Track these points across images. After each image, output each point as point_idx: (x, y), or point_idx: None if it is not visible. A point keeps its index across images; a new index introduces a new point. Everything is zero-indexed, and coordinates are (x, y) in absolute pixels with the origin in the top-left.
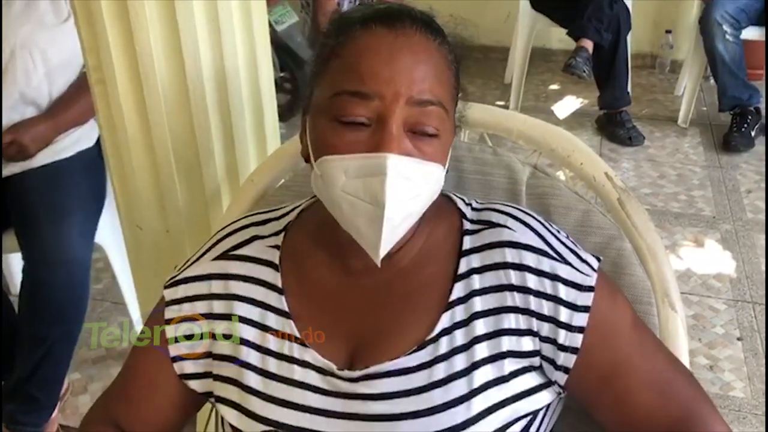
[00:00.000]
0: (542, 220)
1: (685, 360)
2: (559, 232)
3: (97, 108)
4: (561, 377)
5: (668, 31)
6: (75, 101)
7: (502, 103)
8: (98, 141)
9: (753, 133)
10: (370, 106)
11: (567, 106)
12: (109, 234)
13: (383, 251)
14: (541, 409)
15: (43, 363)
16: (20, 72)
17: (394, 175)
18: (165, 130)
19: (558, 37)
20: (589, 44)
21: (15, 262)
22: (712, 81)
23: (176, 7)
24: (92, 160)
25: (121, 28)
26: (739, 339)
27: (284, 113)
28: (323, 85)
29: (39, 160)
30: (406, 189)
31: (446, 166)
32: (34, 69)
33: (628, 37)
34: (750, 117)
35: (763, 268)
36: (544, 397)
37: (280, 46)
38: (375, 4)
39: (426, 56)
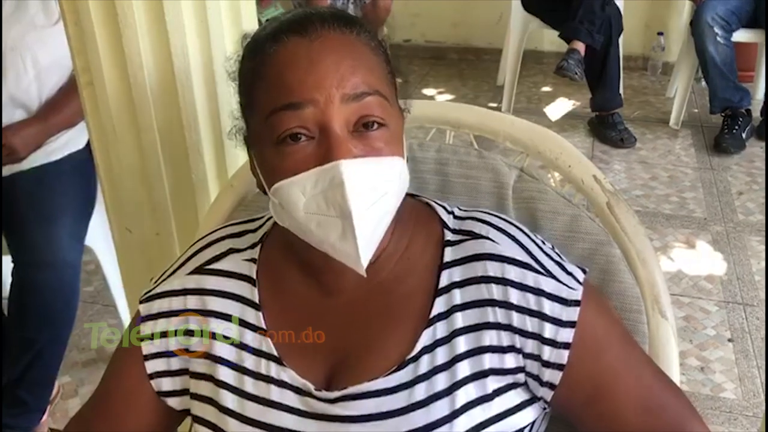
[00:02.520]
0: (527, 231)
1: (675, 368)
2: (544, 243)
3: (86, 110)
4: (547, 393)
5: (660, 33)
6: (65, 103)
7: (494, 105)
8: (88, 143)
9: (744, 135)
10: (305, 114)
11: (559, 108)
12: (99, 236)
13: (365, 261)
14: (525, 426)
15: (33, 366)
16: (10, 74)
17: (352, 180)
18: (154, 133)
19: (550, 39)
20: (580, 46)
21: (5, 265)
22: (703, 83)
23: (165, 7)
24: (82, 162)
25: (109, 29)
26: (730, 340)
27: None
28: (255, 112)
29: (28, 163)
30: (369, 191)
31: (405, 158)
32: (24, 71)
33: (620, 39)
34: (741, 119)
35: (754, 269)
36: (529, 414)
37: None
38: (284, 14)
39: (347, 50)
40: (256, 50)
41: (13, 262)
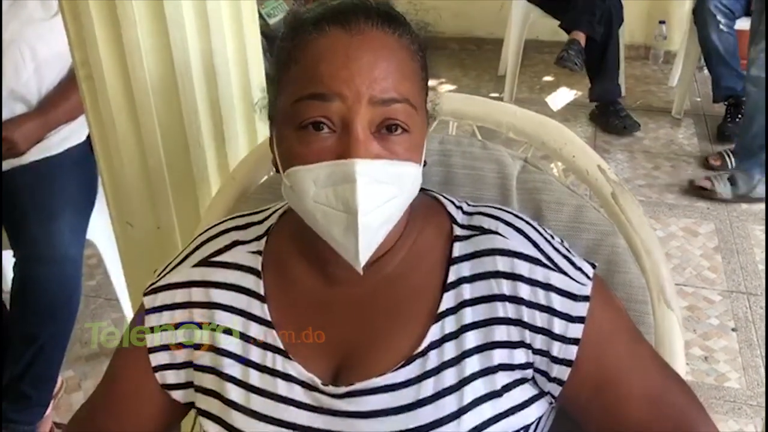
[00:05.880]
0: (536, 225)
1: (680, 358)
2: (552, 237)
3: (86, 104)
4: (555, 389)
5: (662, 22)
6: (65, 97)
7: (496, 95)
8: (89, 137)
9: None
10: (331, 108)
11: (561, 97)
12: (101, 230)
13: (363, 259)
14: (533, 422)
15: (36, 361)
16: (9, 68)
17: (364, 180)
18: (154, 126)
19: (551, 29)
20: (581, 36)
21: (6, 260)
22: (705, 71)
23: (164, 0)
24: (82, 156)
25: (108, 22)
26: (733, 330)
27: None
28: (285, 93)
29: (28, 158)
30: (379, 193)
31: (422, 164)
32: (23, 64)
33: (621, 29)
34: (744, 107)
35: (757, 258)
36: (537, 410)
37: (272, 39)
38: (328, 1)
39: (386, 53)
40: (295, 31)
41: (14, 256)
